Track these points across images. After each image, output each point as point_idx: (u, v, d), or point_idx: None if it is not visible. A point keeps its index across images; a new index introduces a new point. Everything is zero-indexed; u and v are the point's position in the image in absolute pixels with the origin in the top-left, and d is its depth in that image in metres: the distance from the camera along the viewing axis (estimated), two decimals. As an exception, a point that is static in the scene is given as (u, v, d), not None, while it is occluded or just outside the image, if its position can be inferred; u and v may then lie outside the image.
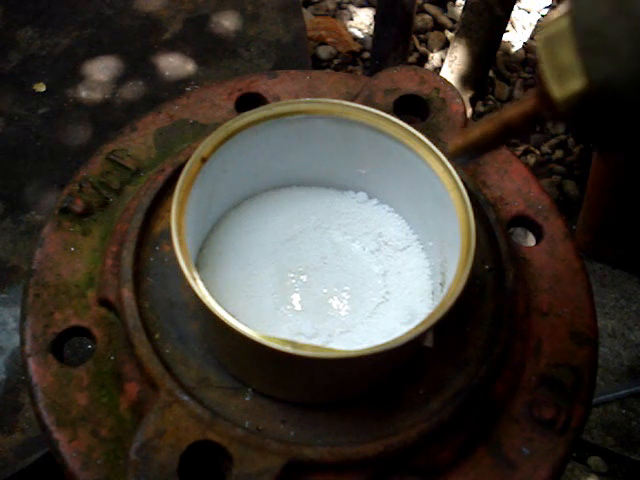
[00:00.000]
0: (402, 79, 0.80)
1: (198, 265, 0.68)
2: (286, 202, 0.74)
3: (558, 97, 0.44)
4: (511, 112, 0.50)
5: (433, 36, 2.11)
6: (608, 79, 0.41)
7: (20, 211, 1.20)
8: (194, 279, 0.58)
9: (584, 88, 0.43)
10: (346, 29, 2.09)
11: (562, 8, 0.45)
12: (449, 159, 0.53)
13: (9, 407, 1.03)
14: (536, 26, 2.19)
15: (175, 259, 0.58)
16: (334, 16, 2.12)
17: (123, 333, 0.65)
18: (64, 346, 0.68)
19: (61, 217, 0.74)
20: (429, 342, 0.64)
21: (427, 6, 2.15)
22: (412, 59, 2.05)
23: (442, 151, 0.66)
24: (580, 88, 0.43)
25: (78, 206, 0.74)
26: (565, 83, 0.44)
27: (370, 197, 0.75)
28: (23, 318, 0.68)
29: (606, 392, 1.49)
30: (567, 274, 0.74)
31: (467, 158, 0.53)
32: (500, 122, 0.50)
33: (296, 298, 0.68)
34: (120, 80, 1.35)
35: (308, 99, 0.68)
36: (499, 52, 2.01)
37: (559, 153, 1.90)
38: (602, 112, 0.43)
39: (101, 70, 1.36)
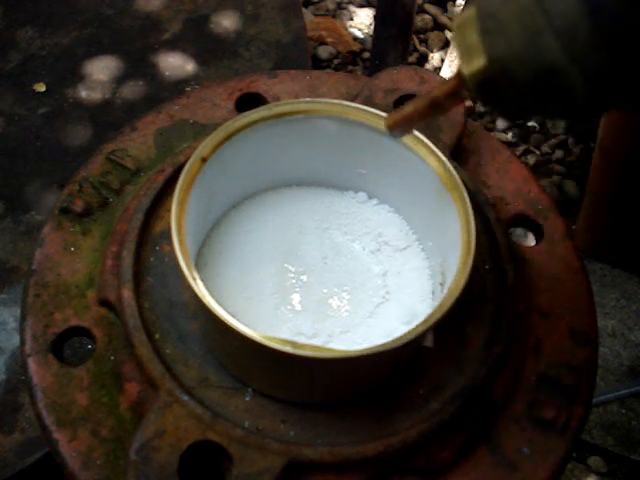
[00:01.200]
0: (402, 79, 0.80)
1: (198, 265, 0.68)
2: (286, 202, 0.74)
3: (466, 73, 0.51)
4: (438, 90, 0.57)
5: (433, 36, 2.11)
6: (500, 57, 0.48)
7: (20, 211, 1.20)
8: (194, 279, 0.58)
9: (484, 65, 0.49)
10: (346, 29, 2.09)
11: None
12: (387, 131, 0.62)
13: (9, 407, 1.02)
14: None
15: (175, 259, 0.58)
16: (334, 16, 2.12)
17: (123, 333, 0.65)
18: (64, 346, 0.68)
19: (61, 217, 0.74)
20: (429, 342, 0.64)
21: (427, 6, 2.15)
22: (412, 59, 2.04)
23: (442, 151, 0.66)
24: (481, 65, 0.50)
25: (78, 206, 0.74)
26: (471, 61, 0.50)
27: (370, 197, 0.75)
28: (23, 318, 0.68)
29: (606, 392, 1.49)
30: (567, 274, 0.74)
31: (402, 131, 0.61)
32: (429, 99, 0.58)
33: (296, 298, 0.68)
34: (120, 80, 1.35)
35: (308, 99, 0.68)
36: (499, 52, 2.00)
37: (559, 153, 1.90)
38: (499, 86, 0.49)
39: (101, 70, 1.35)
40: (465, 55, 0.51)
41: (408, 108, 0.59)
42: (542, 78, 0.47)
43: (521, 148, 1.90)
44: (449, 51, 1.83)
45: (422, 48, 2.09)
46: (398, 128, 0.61)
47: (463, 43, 0.51)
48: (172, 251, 0.59)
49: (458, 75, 0.53)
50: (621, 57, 0.45)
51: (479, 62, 0.50)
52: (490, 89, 0.51)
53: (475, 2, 0.50)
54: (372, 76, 0.81)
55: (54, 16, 1.41)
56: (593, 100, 0.47)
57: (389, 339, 0.57)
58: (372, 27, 1.95)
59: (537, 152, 1.91)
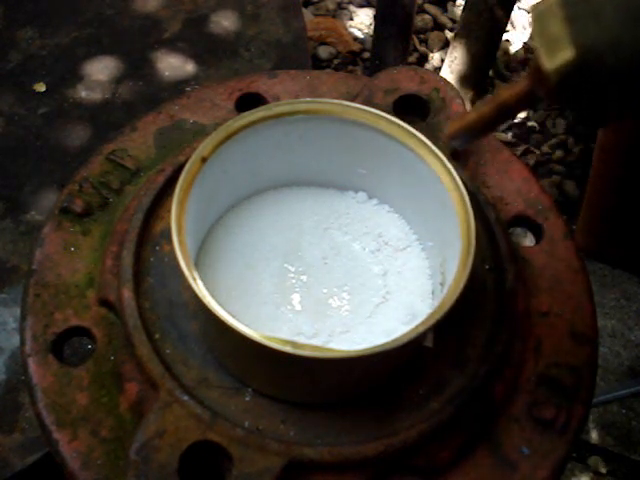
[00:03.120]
0: (402, 79, 0.80)
1: (198, 265, 0.68)
2: (286, 202, 0.74)
3: (549, 68, 0.46)
4: (506, 94, 0.51)
5: (433, 36, 2.11)
6: (593, 45, 0.44)
7: (20, 211, 1.20)
8: (194, 279, 0.58)
9: (572, 56, 0.45)
10: (346, 29, 2.09)
11: None
12: (447, 142, 0.56)
13: (9, 407, 1.02)
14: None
15: (175, 259, 0.58)
16: (334, 16, 2.12)
17: (123, 333, 0.65)
18: (64, 346, 0.68)
19: (61, 217, 0.74)
20: (429, 342, 0.64)
21: (427, 6, 2.15)
22: (412, 59, 2.05)
23: (442, 151, 0.66)
24: (569, 57, 0.45)
25: (78, 206, 0.74)
26: (555, 54, 0.45)
27: (370, 197, 0.75)
28: (23, 318, 0.68)
29: (606, 392, 1.49)
30: (567, 274, 0.74)
31: (465, 141, 0.55)
32: (496, 104, 0.52)
33: (296, 298, 0.68)
34: (120, 80, 1.35)
35: (308, 99, 0.68)
36: (499, 52, 2.01)
37: (559, 153, 1.90)
38: (589, 80, 0.45)
39: (101, 70, 1.35)
40: (548, 47, 0.46)
41: (472, 115, 0.53)
42: None
43: (521, 148, 1.91)
44: (449, 51, 1.83)
45: (422, 48, 2.09)
46: (460, 137, 0.55)
47: (544, 34, 0.46)
48: (172, 251, 0.59)
49: (534, 73, 0.47)
50: None
51: (566, 53, 0.45)
52: (577, 85, 0.45)
53: None
54: (372, 76, 0.81)
55: (54, 16, 1.41)
56: None
57: (389, 339, 0.57)
58: (372, 27, 1.95)
59: (537, 152, 1.91)
